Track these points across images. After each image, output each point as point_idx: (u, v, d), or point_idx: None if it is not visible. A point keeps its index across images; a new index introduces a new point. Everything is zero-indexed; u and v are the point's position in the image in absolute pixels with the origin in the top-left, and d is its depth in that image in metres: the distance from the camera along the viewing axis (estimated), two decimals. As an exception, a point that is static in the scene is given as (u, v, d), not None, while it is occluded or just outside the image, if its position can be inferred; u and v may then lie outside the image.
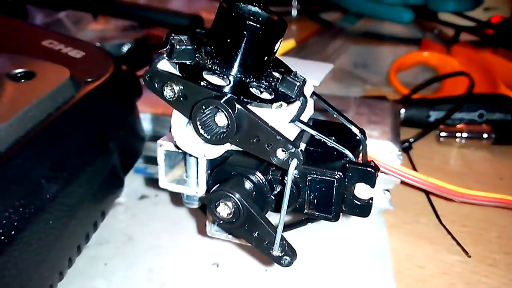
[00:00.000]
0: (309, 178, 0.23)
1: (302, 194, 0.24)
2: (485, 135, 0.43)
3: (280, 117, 0.23)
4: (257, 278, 0.29)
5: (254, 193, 0.23)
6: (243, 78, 0.23)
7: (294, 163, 0.21)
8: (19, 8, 0.62)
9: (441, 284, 0.29)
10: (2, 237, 0.21)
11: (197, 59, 0.22)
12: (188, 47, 0.21)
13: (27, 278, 0.23)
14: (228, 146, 0.23)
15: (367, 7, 0.69)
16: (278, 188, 0.24)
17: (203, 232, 0.29)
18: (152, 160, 0.37)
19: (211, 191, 0.22)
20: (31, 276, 0.23)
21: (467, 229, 0.34)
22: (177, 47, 0.21)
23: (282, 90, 0.23)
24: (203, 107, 0.21)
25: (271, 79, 0.24)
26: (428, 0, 0.64)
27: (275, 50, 0.23)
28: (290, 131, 0.24)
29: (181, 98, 0.22)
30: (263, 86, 0.23)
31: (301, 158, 0.21)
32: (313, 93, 0.26)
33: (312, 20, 0.82)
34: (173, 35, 0.21)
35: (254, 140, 0.21)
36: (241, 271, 0.30)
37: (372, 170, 0.23)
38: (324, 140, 0.24)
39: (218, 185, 0.23)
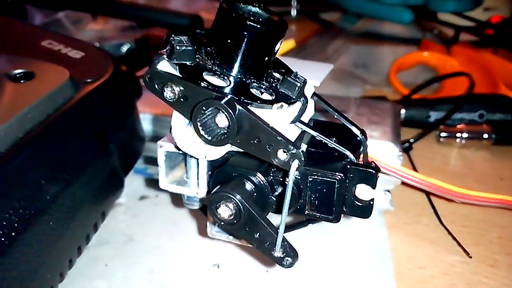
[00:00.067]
0: (310, 179, 0.23)
1: (303, 195, 0.24)
2: (485, 136, 0.43)
3: (280, 118, 0.23)
4: (258, 279, 0.29)
5: (255, 194, 0.23)
6: (244, 79, 0.23)
7: (295, 164, 0.21)
8: (18, 8, 0.62)
9: (441, 284, 0.29)
10: (3, 239, 0.21)
11: (197, 60, 0.22)
12: (188, 47, 0.21)
13: (28, 279, 0.23)
14: (228, 147, 0.23)
15: (367, 7, 0.68)
16: (279, 189, 0.24)
17: (204, 233, 0.29)
18: (152, 161, 0.37)
19: (212, 192, 0.22)
20: (31, 278, 0.23)
21: (467, 230, 0.33)
22: (177, 48, 0.21)
23: (283, 91, 0.23)
24: (204, 108, 0.21)
25: (271, 80, 0.24)
26: (428, 0, 0.64)
27: (275, 51, 0.23)
28: (291, 132, 0.24)
29: (182, 99, 0.22)
30: (263, 86, 0.23)
31: (302, 159, 0.21)
32: (314, 93, 0.26)
33: (312, 20, 0.82)
34: (173, 35, 0.21)
35: (255, 141, 0.21)
36: (242, 272, 0.30)
37: (373, 171, 0.23)
38: (325, 141, 0.24)
39: (219, 186, 0.23)
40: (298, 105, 0.23)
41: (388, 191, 0.34)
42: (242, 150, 0.22)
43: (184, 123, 0.23)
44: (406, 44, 0.72)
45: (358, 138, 0.25)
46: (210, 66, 0.22)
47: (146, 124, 0.37)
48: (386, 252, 0.31)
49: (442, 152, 0.44)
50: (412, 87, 0.52)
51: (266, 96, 0.22)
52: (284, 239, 0.23)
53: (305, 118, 0.25)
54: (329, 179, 0.23)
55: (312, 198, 0.24)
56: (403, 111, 0.45)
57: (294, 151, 0.21)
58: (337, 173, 0.23)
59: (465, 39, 0.65)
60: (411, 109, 0.46)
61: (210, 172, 0.25)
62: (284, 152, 0.21)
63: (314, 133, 0.24)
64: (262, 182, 0.23)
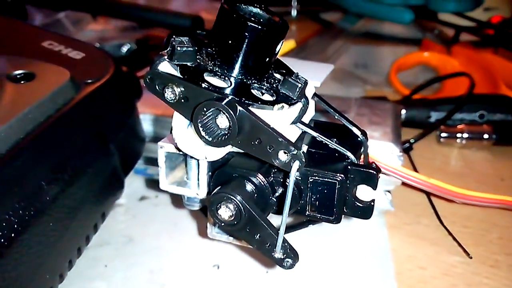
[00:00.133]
0: (311, 180, 0.23)
1: (304, 196, 0.24)
2: (486, 136, 0.43)
3: (281, 119, 0.23)
4: (258, 280, 0.29)
5: (256, 195, 0.23)
6: (245, 80, 0.22)
7: (296, 165, 0.21)
8: (18, 8, 0.62)
9: (442, 285, 0.29)
10: (2, 240, 0.21)
11: (198, 61, 0.22)
12: (189, 48, 0.21)
13: (28, 280, 0.23)
14: (229, 148, 0.23)
15: (367, 7, 0.68)
16: (280, 190, 0.24)
17: (204, 234, 0.29)
18: (153, 161, 0.37)
19: (213, 193, 0.22)
20: (31, 279, 0.23)
21: (468, 230, 0.33)
22: (178, 48, 0.21)
23: (284, 92, 0.23)
24: (205, 109, 0.21)
25: (272, 81, 0.24)
26: (428, 0, 0.64)
27: (276, 52, 0.23)
28: (292, 133, 0.24)
29: (182, 100, 0.22)
30: (264, 87, 0.23)
31: (303, 160, 0.21)
32: (315, 94, 0.26)
33: (312, 21, 0.82)
34: (174, 36, 0.21)
35: (256, 142, 0.21)
36: (242, 273, 0.30)
37: (374, 172, 0.23)
38: (326, 141, 0.24)
39: (219, 187, 0.23)
40: (299, 105, 0.23)
41: (389, 191, 0.34)
42: (242, 151, 0.22)
43: (185, 124, 0.23)
44: (406, 44, 0.72)
45: (358, 138, 0.25)
46: (211, 67, 0.22)
47: (146, 124, 0.37)
48: (386, 252, 0.31)
49: (443, 153, 0.44)
50: (413, 87, 0.52)
51: (267, 97, 0.22)
52: (284, 240, 0.23)
53: (306, 118, 0.25)
54: (329, 180, 0.23)
55: (312, 199, 0.24)
56: (403, 111, 0.45)
57: (295, 152, 0.21)
58: (338, 174, 0.23)
59: (465, 39, 0.65)
60: (411, 109, 0.46)
61: (210, 173, 0.25)
62: (285, 153, 0.21)
63: (315, 134, 0.24)
64: (262, 183, 0.23)
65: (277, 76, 0.24)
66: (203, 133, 0.21)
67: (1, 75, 0.27)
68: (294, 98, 0.23)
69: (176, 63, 0.22)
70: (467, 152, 0.44)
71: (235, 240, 0.26)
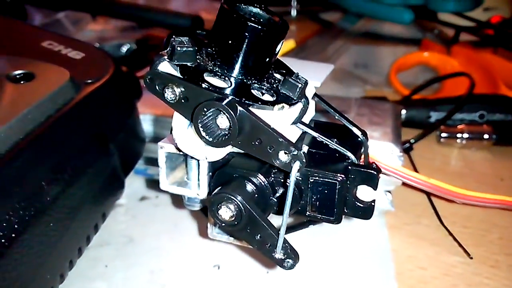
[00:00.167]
0: (311, 180, 0.23)
1: (304, 196, 0.24)
2: (485, 136, 0.43)
3: (282, 119, 0.22)
4: (259, 280, 0.29)
5: (256, 195, 0.23)
6: (245, 80, 0.22)
7: (296, 165, 0.21)
8: (18, 8, 0.61)
9: (442, 285, 0.29)
10: (3, 240, 0.21)
11: (198, 61, 0.22)
12: (189, 48, 0.21)
13: (28, 280, 0.23)
14: (229, 149, 0.23)
15: (367, 7, 0.68)
16: (280, 191, 0.24)
17: (204, 234, 0.29)
18: (153, 162, 0.37)
19: (213, 193, 0.22)
20: (32, 279, 0.23)
21: (468, 231, 0.33)
22: (178, 48, 0.21)
23: (284, 92, 0.23)
24: (205, 109, 0.21)
25: (272, 81, 0.24)
26: (428, 0, 0.64)
27: (276, 52, 0.23)
28: (292, 133, 0.24)
29: (183, 100, 0.22)
30: (264, 87, 0.23)
31: (304, 160, 0.21)
32: (315, 94, 0.26)
33: (312, 21, 0.82)
34: (174, 36, 0.21)
35: (256, 143, 0.21)
36: (242, 273, 0.30)
37: (375, 172, 0.23)
38: (326, 142, 0.24)
39: (219, 187, 0.23)
40: (299, 106, 0.23)
41: (389, 191, 0.34)
42: (243, 151, 0.22)
43: (185, 124, 0.23)
44: (406, 44, 0.72)
45: (359, 139, 0.25)
46: (211, 67, 0.22)
47: (146, 125, 0.37)
48: (387, 253, 0.31)
49: (443, 153, 0.44)
50: (413, 88, 0.52)
51: (267, 97, 0.22)
52: (285, 241, 0.22)
53: (306, 119, 0.25)
54: (330, 180, 0.23)
55: (313, 199, 0.24)
56: (403, 111, 0.45)
57: (295, 153, 0.21)
58: (338, 174, 0.23)
59: (465, 39, 0.65)
60: (411, 109, 0.46)
61: (210, 173, 0.25)
62: (285, 153, 0.21)
63: (315, 134, 0.24)
64: (263, 183, 0.23)
65: (277, 76, 0.24)
66: (203, 134, 0.21)
67: (1, 75, 0.26)
68: (295, 98, 0.23)
69: (176, 63, 0.22)
70: (467, 152, 0.44)
71: (235, 240, 0.26)
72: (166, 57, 0.22)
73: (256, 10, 0.23)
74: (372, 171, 0.23)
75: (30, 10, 0.66)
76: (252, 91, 0.22)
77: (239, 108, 0.21)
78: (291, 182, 0.21)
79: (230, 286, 0.29)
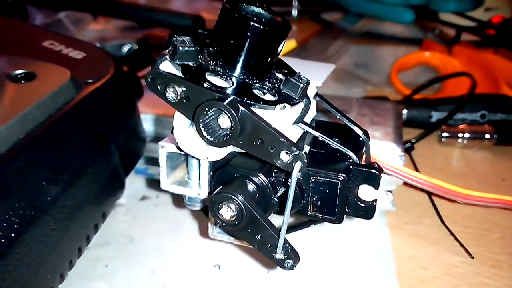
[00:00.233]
0: (313, 179, 0.23)
1: (306, 196, 0.24)
2: (487, 136, 0.43)
3: (283, 119, 0.22)
4: (259, 280, 0.29)
5: (257, 195, 0.23)
6: (246, 80, 0.22)
7: (298, 165, 0.21)
8: (19, 9, 0.61)
9: (444, 285, 0.29)
10: (3, 240, 0.21)
11: (200, 60, 0.22)
12: (191, 48, 0.21)
13: (28, 280, 0.23)
14: (230, 148, 0.23)
15: (368, 7, 0.68)
16: (282, 190, 0.24)
17: (205, 234, 0.29)
18: (153, 161, 0.37)
19: (214, 193, 0.22)
20: (32, 279, 0.23)
21: (469, 230, 0.33)
22: (180, 48, 0.21)
23: (286, 92, 0.23)
24: (206, 109, 0.21)
25: (274, 81, 0.24)
26: (429, 0, 0.64)
27: (278, 51, 0.23)
28: (293, 133, 0.24)
29: (184, 100, 0.22)
30: (266, 87, 0.23)
31: (305, 160, 0.21)
32: (316, 94, 0.26)
33: (312, 21, 0.82)
34: (175, 36, 0.21)
35: (258, 143, 0.21)
36: (243, 273, 0.30)
37: (376, 172, 0.23)
38: (328, 141, 0.24)
39: (220, 187, 0.23)
40: (300, 106, 0.23)
41: (390, 191, 0.34)
42: (244, 151, 0.22)
43: (186, 124, 0.23)
44: (407, 44, 0.72)
45: (360, 138, 0.25)
46: (212, 67, 0.22)
47: (147, 124, 0.37)
48: (388, 252, 0.31)
49: (444, 152, 0.44)
50: (414, 87, 0.52)
51: (268, 97, 0.22)
52: (285, 241, 0.22)
53: (308, 118, 0.25)
54: (331, 180, 0.23)
55: (314, 199, 0.24)
56: (405, 111, 0.45)
57: (297, 153, 0.21)
58: (339, 174, 0.23)
59: (466, 39, 0.65)
60: (412, 109, 0.46)
61: (211, 173, 0.25)
62: (286, 153, 0.21)
63: (317, 134, 0.24)
64: (264, 183, 0.23)
65: (279, 76, 0.24)
66: (204, 133, 0.21)
67: (2, 74, 0.26)
68: (296, 98, 0.23)
69: (178, 62, 0.22)
70: (468, 152, 0.44)
71: (236, 240, 0.26)
72: (167, 56, 0.22)
73: (258, 9, 0.23)
74: (374, 171, 0.23)
75: (31, 10, 0.66)
76: (254, 90, 0.22)
77: (241, 108, 0.20)
78: (293, 182, 0.21)
79: (231, 286, 0.29)
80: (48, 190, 0.24)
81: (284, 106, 0.22)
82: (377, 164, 0.24)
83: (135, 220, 0.34)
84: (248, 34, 0.21)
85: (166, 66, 0.22)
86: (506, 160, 0.43)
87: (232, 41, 0.22)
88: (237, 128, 0.21)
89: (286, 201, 0.22)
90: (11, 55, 0.29)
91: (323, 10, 0.85)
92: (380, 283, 0.29)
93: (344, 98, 0.42)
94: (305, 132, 0.24)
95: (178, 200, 0.35)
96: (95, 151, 0.28)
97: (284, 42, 0.23)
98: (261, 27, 0.21)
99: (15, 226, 0.21)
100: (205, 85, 0.21)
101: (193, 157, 0.24)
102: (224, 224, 0.22)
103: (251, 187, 0.23)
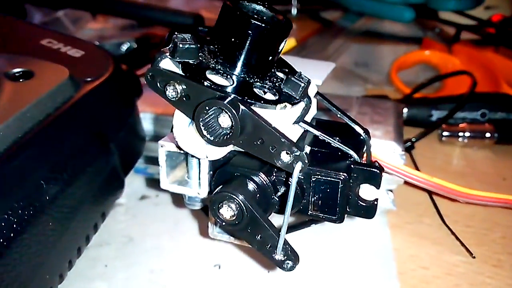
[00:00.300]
0: (313, 179, 0.23)
1: (306, 195, 0.24)
2: (487, 135, 0.43)
3: (284, 118, 0.22)
4: (259, 280, 0.29)
5: (258, 194, 0.23)
6: (247, 78, 0.22)
7: (298, 166, 0.21)
8: (17, 7, 0.61)
9: (445, 285, 0.29)
10: (1, 240, 0.21)
11: (200, 58, 0.22)
12: (192, 45, 0.21)
13: (27, 281, 0.22)
14: (231, 147, 0.23)
15: (368, 5, 0.68)
16: (282, 189, 0.24)
17: (205, 234, 0.28)
18: (153, 160, 0.37)
19: (214, 192, 0.22)
20: (30, 279, 0.23)
21: (470, 230, 0.33)
22: (180, 45, 0.21)
23: (286, 91, 0.23)
24: (207, 107, 0.20)
25: (275, 79, 0.23)
26: (428, -2, 0.64)
27: (279, 50, 0.23)
28: (294, 132, 0.23)
29: (184, 98, 0.21)
30: (267, 86, 0.23)
31: (306, 161, 0.21)
32: (317, 92, 0.26)
33: (312, 19, 0.82)
34: (176, 33, 0.21)
35: (258, 142, 0.21)
36: (243, 273, 0.29)
37: (378, 171, 0.23)
38: (328, 140, 0.24)
39: (220, 186, 0.22)
40: (301, 105, 0.23)
41: (391, 190, 0.34)
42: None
43: (186, 123, 0.23)
44: (407, 43, 0.72)
45: (361, 137, 0.25)
46: (213, 65, 0.22)
47: (146, 123, 0.36)
48: (389, 252, 0.31)
49: (444, 151, 0.44)
50: (414, 86, 0.52)
51: (269, 96, 0.22)
52: (285, 242, 0.22)
53: (308, 117, 0.25)
54: (332, 179, 0.23)
55: (315, 198, 0.24)
56: (405, 110, 0.45)
57: (297, 153, 0.20)
58: (341, 173, 0.23)
59: (466, 37, 0.64)
60: (412, 108, 0.46)
61: (211, 172, 0.24)
62: (287, 153, 0.21)
63: (317, 133, 0.24)
64: (264, 182, 0.23)
65: (280, 75, 0.24)
66: (204, 132, 0.21)
67: (0, 73, 0.26)
68: (297, 97, 0.22)
69: (178, 60, 0.21)
70: (469, 151, 0.44)
71: (236, 240, 0.26)
72: (168, 54, 0.22)
73: (259, 7, 0.22)
74: (375, 170, 0.23)
75: (29, 8, 0.66)
76: (254, 89, 0.22)
77: (241, 107, 0.20)
78: (293, 183, 0.21)
79: (231, 285, 0.29)
80: (47, 189, 0.23)
81: (285, 106, 0.22)
82: (378, 163, 0.24)
83: (134, 219, 0.34)
84: (249, 32, 0.21)
85: (166, 63, 0.22)
86: (507, 159, 0.42)
87: (233, 39, 0.21)
88: (238, 128, 0.20)
89: (287, 201, 0.22)
90: (9, 53, 0.29)
91: (323, 8, 0.85)
92: (381, 283, 0.29)
93: (344, 97, 0.42)
94: (306, 131, 0.24)
95: (178, 200, 0.35)
96: (94, 150, 0.28)
97: (286, 41, 0.23)
98: (263, 25, 0.21)
99: (14, 225, 0.21)
100: (205, 83, 0.21)
101: (193, 156, 0.24)
102: (224, 223, 0.22)
103: (251, 186, 0.23)
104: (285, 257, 0.22)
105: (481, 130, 0.43)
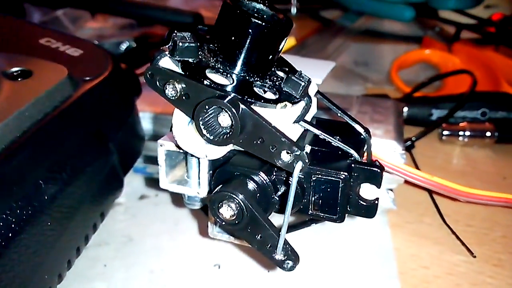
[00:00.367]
0: (314, 178, 0.23)
1: (307, 194, 0.23)
2: (488, 134, 0.43)
3: (284, 118, 0.22)
4: (259, 280, 0.29)
5: (258, 194, 0.22)
6: (247, 77, 0.22)
7: (299, 165, 0.20)
8: (16, 6, 0.61)
9: (446, 284, 0.29)
10: (0, 240, 0.20)
11: (200, 57, 0.22)
12: (191, 44, 0.21)
13: (26, 281, 0.22)
14: (230, 147, 0.23)
15: (368, 4, 0.68)
16: (282, 189, 0.23)
17: (205, 233, 0.28)
18: (152, 160, 0.36)
19: (214, 192, 0.22)
20: (29, 279, 0.23)
21: (471, 229, 0.33)
22: (180, 44, 0.21)
23: (287, 90, 0.22)
24: (206, 106, 0.20)
25: (275, 79, 0.23)
26: (428, -2, 0.64)
27: (279, 49, 0.23)
28: (294, 132, 0.23)
29: (184, 97, 0.21)
30: (267, 85, 0.22)
31: (307, 160, 0.20)
32: (317, 91, 0.26)
33: (312, 18, 0.81)
34: (175, 32, 0.21)
35: (258, 142, 0.21)
36: (243, 273, 0.29)
37: (378, 170, 0.23)
38: (329, 139, 0.23)
39: (220, 185, 0.22)
40: (301, 104, 0.23)
41: (391, 190, 0.34)
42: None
43: (186, 122, 0.23)
44: (407, 42, 0.72)
45: (361, 136, 0.25)
46: (213, 64, 0.22)
47: (145, 123, 0.36)
48: (389, 251, 0.31)
49: (445, 151, 0.44)
50: (414, 85, 0.52)
51: (269, 95, 0.22)
52: (285, 242, 0.22)
53: (308, 116, 0.25)
54: (333, 178, 0.23)
55: (315, 198, 0.23)
56: (405, 109, 0.45)
57: (298, 153, 0.20)
58: (341, 172, 0.22)
59: (466, 36, 0.64)
60: (413, 107, 0.45)
61: (211, 171, 0.24)
62: (287, 153, 0.21)
63: (318, 132, 0.23)
64: (264, 182, 0.23)
65: (280, 74, 0.24)
66: (204, 132, 0.21)
67: (-2, 72, 0.26)
68: (297, 96, 0.22)
69: (178, 59, 0.21)
70: (469, 150, 0.44)
71: (236, 239, 0.26)
72: (167, 52, 0.21)
73: (259, 6, 0.22)
74: (376, 169, 0.23)
75: (28, 8, 0.65)
76: (255, 88, 0.22)
77: (241, 106, 0.20)
78: (293, 183, 0.21)
79: (231, 285, 0.28)
80: (46, 189, 0.23)
81: (285, 105, 0.22)
82: (378, 162, 0.24)
83: (134, 219, 0.34)
84: (250, 30, 0.21)
85: (166, 62, 0.22)
86: (507, 158, 0.42)
87: (233, 38, 0.21)
88: (238, 127, 0.20)
89: (287, 200, 0.21)
90: (7, 53, 0.29)
91: (322, 7, 0.84)
92: (382, 283, 0.29)
93: (344, 96, 0.42)
94: (306, 130, 0.24)
95: (178, 199, 0.35)
96: (93, 150, 0.28)
97: (286, 40, 0.23)
98: (263, 23, 0.21)
99: (12, 225, 0.21)
100: (205, 82, 0.21)
101: (192, 155, 0.24)
102: (224, 223, 0.22)
103: (251, 185, 0.23)
104: (285, 257, 0.22)
105: (482, 129, 0.43)
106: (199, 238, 0.32)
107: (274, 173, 0.24)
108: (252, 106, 0.21)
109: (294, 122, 0.23)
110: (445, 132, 0.43)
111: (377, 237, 0.32)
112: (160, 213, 0.34)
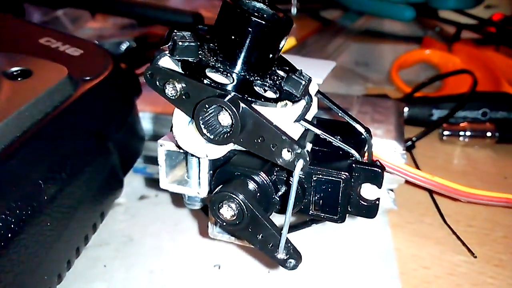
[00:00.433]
0: (315, 178, 0.23)
1: (307, 194, 0.23)
2: (488, 134, 0.43)
3: (285, 117, 0.22)
4: (260, 280, 0.29)
5: (258, 194, 0.22)
6: (247, 76, 0.22)
7: (300, 164, 0.20)
8: (16, 6, 0.61)
9: (446, 285, 0.29)
10: (-1, 240, 0.20)
11: (200, 56, 0.22)
12: (191, 43, 0.21)
13: (25, 281, 0.22)
14: (231, 146, 0.23)
15: (368, 4, 0.68)
16: (283, 189, 0.23)
17: (205, 234, 0.28)
18: (152, 160, 0.36)
19: (214, 192, 0.22)
20: (29, 279, 0.23)
21: (472, 229, 0.33)
22: (180, 43, 0.21)
23: (287, 89, 0.22)
24: (206, 106, 0.20)
25: (275, 78, 0.23)
26: (429, -2, 0.64)
27: (280, 48, 0.23)
28: (295, 131, 0.23)
29: (184, 97, 0.21)
30: (267, 84, 0.22)
31: (308, 159, 0.20)
32: (318, 91, 0.26)
33: (312, 18, 0.82)
34: (175, 31, 0.21)
35: (259, 141, 0.21)
36: (243, 273, 0.29)
37: (379, 170, 0.23)
38: (330, 139, 0.23)
39: (221, 186, 0.22)
40: (302, 103, 0.23)
41: (392, 190, 0.34)
42: (244, 149, 0.22)
43: (186, 121, 0.23)
44: (407, 42, 0.72)
45: (362, 136, 0.25)
46: (213, 63, 0.22)
47: (145, 122, 0.36)
48: (390, 252, 0.31)
49: (445, 151, 0.43)
50: (414, 85, 0.52)
51: (270, 94, 0.22)
52: (287, 241, 0.22)
53: (309, 116, 0.25)
54: (334, 179, 0.23)
55: (316, 198, 0.23)
56: (406, 109, 0.45)
57: (299, 151, 0.20)
58: (342, 172, 0.22)
59: (466, 36, 0.64)
60: (413, 107, 0.45)
61: (211, 172, 0.24)
62: (288, 151, 0.20)
63: (318, 132, 0.23)
64: (265, 182, 0.23)
65: (280, 73, 0.24)
66: (204, 131, 0.21)
67: (-2, 72, 0.26)
68: (298, 95, 0.22)
69: (178, 58, 0.21)
70: (470, 150, 0.43)
71: (236, 240, 0.26)
72: (167, 52, 0.21)
73: (260, 5, 0.22)
74: (377, 169, 0.23)
75: (28, 8, 0.65)
76: (255, 87, 0.22)
77: (242, 105, 0.20)
78: (294, 181, 0.21)
79: (231, 286, 0.28)
80: (45, 189, 0.23)
81: (286, 104, 0.22)
82: (379, 162, 0.24)
83: (134, 219, 0.34)
84: (250, 29, 0.21)
85: (166, 61, 0.22)
86: (508, 158, 0.42)
87: (233, 37, 0.21)
88: (238, 126, 0.20)
89: (288, 200, 0.21)
90: (7, 52, 0.29)
91: (322, 7, 0.85)
92: (383, 283, 0.29)
93: (345, 96, 0.41)
94: (307, 130, 0.24)
95: (178, 199, 0.35)
96: (93, 150, 0.28)
97: (286, 39, 0.23)
98: (263, 22, 0.21)
99: (11, 225, 0.21)
100: (205, 81, 0.21)
101: (192, 155, 0.24)
102: (224, 223, 0.22)
103: (252, 186, 0.22)
104: (288, 255, 0.22)
105: (482, 129, 0.43)
106: (199, 238, 0.32)
107: (275, 173, 0.23)
108: (252, 105, 0.21)
109: (294, 121, 0.23)
110: (446, 132, 0.43)
111: (378, 237, 0.32)
112: (160, 213, 0.34)
